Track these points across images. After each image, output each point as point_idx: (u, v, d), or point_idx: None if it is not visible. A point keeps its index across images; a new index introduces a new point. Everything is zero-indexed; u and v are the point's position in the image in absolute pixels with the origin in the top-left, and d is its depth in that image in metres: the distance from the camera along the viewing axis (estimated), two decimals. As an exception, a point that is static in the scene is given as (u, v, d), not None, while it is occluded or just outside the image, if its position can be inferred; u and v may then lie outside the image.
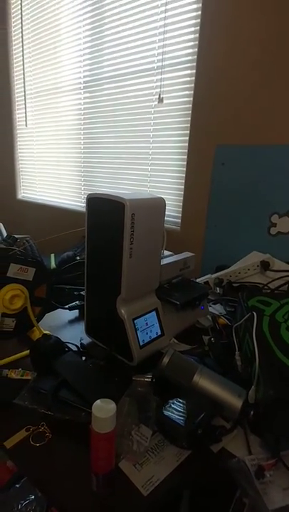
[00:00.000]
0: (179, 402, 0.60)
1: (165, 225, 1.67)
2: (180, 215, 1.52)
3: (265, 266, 1.14)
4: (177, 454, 0.55)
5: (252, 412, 0.60)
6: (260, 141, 1.23)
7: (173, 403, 0.60)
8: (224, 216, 1.36)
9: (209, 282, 1.17)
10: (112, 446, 0.46)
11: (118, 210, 0.68)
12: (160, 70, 1.48)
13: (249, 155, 1.25)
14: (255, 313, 0.66)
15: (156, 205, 0.75)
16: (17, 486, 0.87)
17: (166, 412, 0.58)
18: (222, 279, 1.15)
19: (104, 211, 0.72)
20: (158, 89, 1.51)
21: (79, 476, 0.50)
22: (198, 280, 1.17)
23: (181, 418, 0.56)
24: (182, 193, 1.50)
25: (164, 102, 1.49)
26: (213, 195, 1.38)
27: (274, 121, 1.19)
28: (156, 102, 1.52)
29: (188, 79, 1.40)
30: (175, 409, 0.58)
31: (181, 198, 1.51)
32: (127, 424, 0.54)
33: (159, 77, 1.49)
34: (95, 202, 0.74)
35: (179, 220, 1.53)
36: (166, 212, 1.73)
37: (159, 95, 1.49)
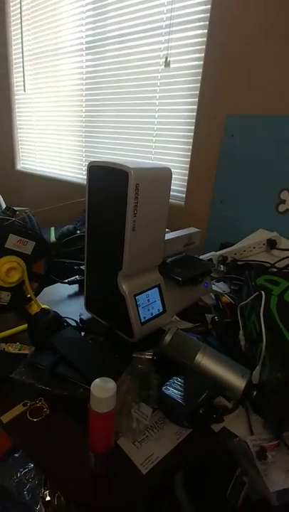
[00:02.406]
0: (181, 380, 0.58)
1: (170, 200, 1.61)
2: (185, 189, 1.46)
3: (271, 244, 1.10)
4: (177, 433, 0.54)
5: (255, 393, 0.58)
6: (274, 110, 1.15)
7: (174, 381, 0.58)
8: (231, 191, 1.30)
9: (213, 260, 1.14)
10: (111, 426, 0.44)
11: (121, 180, 0.63)
12: (168, 30, 1.36)
13: (261, 126, 1.17)
14: (263, 292, 0.63)
15: (163, 176, 0.70)
16: (16, 455, 0.88)
17: (167, 391, 0.56)
18: (226, 256, 1.12)
19: (107, 180, 0.67)
20: (165, 52, 1.40)
21: (77, 452, 0.49)
22: (202, 257, 1.13)
23: (183, 397, 0.55)
24: (188, 166, 1.43)
25: (172, 66, 1.39)
26: (220, 169, 1.31)
27: None
28: (162, 66, 1.42)
29: (199, 40, 1.29)
30: (176, 388, 0.57)
31: (187, 172, 1.44)
32: (127, 402, 0.53)
33: (166, 37, 1.38)
34: (97, 170, 0.69)
35: (184, 195, 1.47)
36: (171, 186, 1.66)
37: (166, 58, 1.38)
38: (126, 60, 1.58)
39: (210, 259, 1.14)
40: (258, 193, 1.22)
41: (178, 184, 1.49)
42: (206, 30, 1.25)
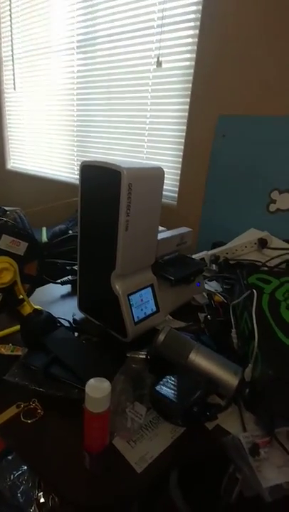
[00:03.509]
0: (174, 379, 0.59)
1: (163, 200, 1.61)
2: (177, 189, 1.47)
3: (262, 243, 1.11)
4: (172, 431, 0.54)
5: (247, 390, 0.59)
6: (265, 111, 1.17)
7: (168, 380, 0.58)
8: (223, 191, 1.31)
9: (205, 259, 1.14)
10: (105, 426, 0.44)
11: (114, 179, 0.63)
12: (160, 30, 1.37)
13: (252, 126, 1.19)
14: (255, 291, 0.64)
15: (155, 175, 0.70)
16: (9, 457, 0.87)
17: (160, 389, 0.56)
18: (218, 255, 1.13)
19: (99, 180, 0.67)
20: (157, 52, 1.40)
21: (71, 453, 0.49)
22: (194, 256, 1.14)
23: (176, 395, 0.55)
24: (180, 166, 1.43)
25: (163, 66, 1.39)
26: (211, 169, 1.32)
27: (282, 90, 1.12)
28: (154, 66, 1.42)
29: (191, 40, 1.30)
30: (170, 387, 0.57)
31: (179, 172, 1.45)
32: (121, 402, 0.53)
33: (158, 37, 1.38)
34: (90, 170, 0.69)
35: (176, 195, 1.48)
36: (163, 186, 1.66)
37: (158, 58, 1.38)
38: (118, 60, 1.57)
39: (202, 259, 1.14)
40: (249, 193, 1.24)
41: (170, 184, 1.49)
42: (197, 31, 1.26)
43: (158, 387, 0.57)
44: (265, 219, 1.20)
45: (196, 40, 1.27)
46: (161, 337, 0.64)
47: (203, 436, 0.54)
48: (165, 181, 1.67)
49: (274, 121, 1.14)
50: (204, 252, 1.17)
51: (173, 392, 0.56)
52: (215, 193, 1.33)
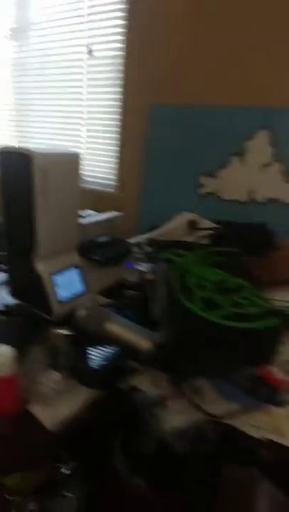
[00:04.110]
0: (92, 348, 0.63)
1: (100, 187, 1.64)
2: (115, 177, 1.50)
3: (192, 225, 1.19)
4: (88, 394, 0.59)
5: (160, 353, 0.65)
6: (193, 100, 1.23)
7: (85, 350, 0.63)
8: (158, 177, 1.37)
9: (141, 242, 1.20)
10: (12, 389, 0.47)
11: (27, 164, 0.65)
12: (89, 18, 1.38)
13: (182, 115, 1.25)
14: (166, 264, 0.70)
15: (70, 160, 0.73)
16: None
17: (78, 358, 0.61)
18: (153, 238, 1.19)
19: (15, 166, 0.69)
20: (88, 40, 1.41)
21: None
22: (131, 240, 1.19)
23: (92, 362, 0.60)
24: (118, 154, 1.47)
25: (96, 55, 1.41)
26: (147, 156, 1.37)
27: (211, 80, 1.18)
28: (86, 55, 1.43)
29: (119, 30, 1.33)
30: (87, 355, 0.61)
31: (117, 160, 1.48)
32: (35, 370, 0.56)
33: (87, 25, 1.39)
34: (7, 156, 0.70)
35: (115, 183, 1.51)
36: (101, 175, 1.69)
37: (89, 47, 1.39)
38: (51, 48, 1.56)
39: (138, 242, 1.20)
40: (181, 179, 1.31)
41: (109, 172, 1.52)
42: (125, 21, 1.29)
43: (75, 356, 0.61)
44: (196, 202, 1.28)
45: (125, 30, 1.29)
46: (81, 312, 0.68)
47: (119, 396, 0.59)
48: (104, 169, 1.70)
49: (203, 110, 1.20)
50: (140, 236, 1.23)
51: (89, 359, 0.60)
52: (151, 180, 1.39)
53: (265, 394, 0.55)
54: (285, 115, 1.08)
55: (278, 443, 0.53)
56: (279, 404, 0.54)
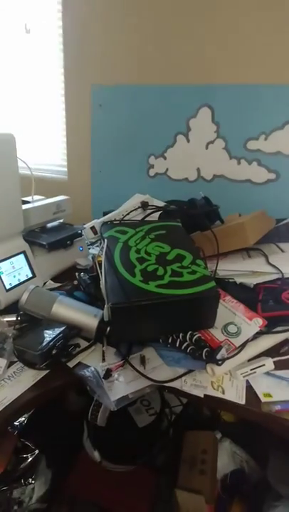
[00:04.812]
0: (37, 331, 0.63)
1: (51, 174, 1.59)
2: (66, 163, 1.47)
3: (144, 206, 1.19)
4: (34, 375, 0.58)
5: (108, 329, 0.66)
6: (135, 80, 1.22)
7: (30, 333, 0.62)
8: (107, 161, 1.35)
9: (95, 226, 1.19)
10: None
11: None
12: (23, -6, 1.30)
13: (125, 95, 1.24)
14: (106, 240, 0.71)
15: (3, 141, 0.70)
16: None
17: (22, 341, 0.60)
18: (106, 222, 1.18)
19: None
20: (25, 18, 1.34)
21: None
22: (85, 225, 1.18)
23: (36, 344, 0.59)
24: (66, 139, 1.43)
25: (33, 34, 1.34)
26: (94, 140, 1.35)
27: (155, 59, 1.17)
28: (24, 34, 1.36)
29: (57, 8, 1.27)
30: (32, 338, 0.61)
31: (66, 146, 1.44)
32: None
33: (24, 2, 1.32)
34: None
35: (66, 169, 1.48)
36: (52, 162, 1.63)
37: (26, 25, 1.33)
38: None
39: (92, 227, 1.19)
40: (131, 161, 1.30)
41: (60, 158, 1.48)
42: (60, -3, 1.24)
43: (19, 341, 0.61)
44: (147, 183, 1.29)
45: (62, 7, 1.24)
46: (25, 296, 0.67)
47: (65, 373, 0.60)
48: (54, 156, 1.64)
49: (147, 90, 1.20)
50: (95, 221, 1.21)
51: (33, 342, 0.60)
52: (100, 163, 1.37)
53: (206, 355, 0.58)
54: (224, 91, 1.10)
55: (220, 398, 0.56)
56: (219, 362, 0.57)
